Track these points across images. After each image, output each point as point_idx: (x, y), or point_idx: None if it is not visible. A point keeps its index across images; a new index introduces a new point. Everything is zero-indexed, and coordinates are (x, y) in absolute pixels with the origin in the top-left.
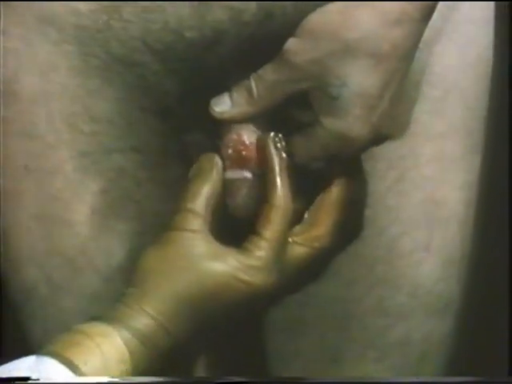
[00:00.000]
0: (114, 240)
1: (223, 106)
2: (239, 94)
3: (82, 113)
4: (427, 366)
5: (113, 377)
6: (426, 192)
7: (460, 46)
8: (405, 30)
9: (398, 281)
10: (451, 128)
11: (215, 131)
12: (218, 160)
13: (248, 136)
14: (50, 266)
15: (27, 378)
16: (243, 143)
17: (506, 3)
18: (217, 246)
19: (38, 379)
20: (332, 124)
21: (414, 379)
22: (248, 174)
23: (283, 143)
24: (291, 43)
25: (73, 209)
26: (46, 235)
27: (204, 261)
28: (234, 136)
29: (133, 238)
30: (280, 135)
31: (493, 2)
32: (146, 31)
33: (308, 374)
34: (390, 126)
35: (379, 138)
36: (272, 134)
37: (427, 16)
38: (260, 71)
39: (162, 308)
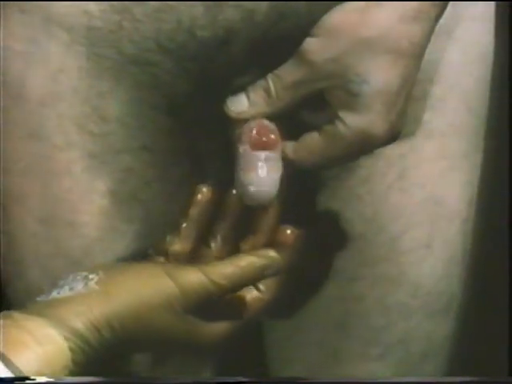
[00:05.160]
0: (119, 241)
1: (240, 105)
2: (257, 94)
3: (92, 114)
4: (428, 365)
5: (54, 373)
6: (427, 190)
7: (461, 44)
8: (422, 27)
9: (399, 279)
10: (452, 126)
11: (227, 128)
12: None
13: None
14: (55, 268)
15: (28, 378)
16: (266, 127)
17: (507, 3)
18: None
19: (33, 379)
20: (354, 121)
21: (414, 379)
22: (271, 154)
23: None
24: (310, 43)
25: (79, 210)
26: (50, 237)
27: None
28: (258, 121)
29: (138, 239)
30: None
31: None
32: (159, 31)
33: (308, 373)
34: (403, 123)
35: (395, 135)
36: None
37: (440, 13)
38: (278, 71)
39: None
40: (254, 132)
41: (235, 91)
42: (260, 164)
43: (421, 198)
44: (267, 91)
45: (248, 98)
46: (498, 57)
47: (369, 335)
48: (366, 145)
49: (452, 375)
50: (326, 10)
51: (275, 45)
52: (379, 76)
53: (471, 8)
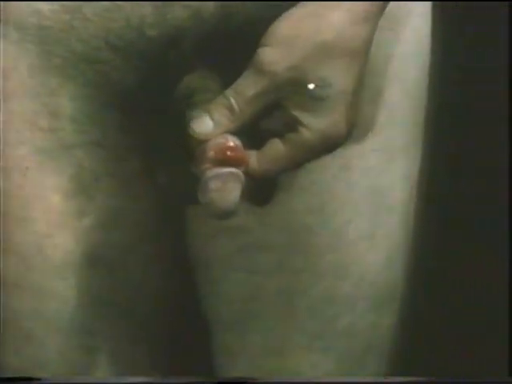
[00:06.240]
0: (70, 237)
1: (205, 127)
2: (220, 114)
3: (43, 110)
4: (373, 357)
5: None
6: (369, 181)
7: (400, 36)
8: (371, 26)
9: (344, 270)
10: (393, 118)
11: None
12: None
13: (231, 138)
14: (5, 265)
15: (28, 378)
16: (227, 146)
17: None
18: None
19: (39, 379)
20: (319, 124)
21: (414, 379)
22: (234, 170)
23: None
24: (266, 53)
25: (30, 206)
26: (2, 233)
27: None
28: (219, 140)
29: (89, 235)
30: None
31: None
32: (108, 30)
33: (254, 369)
34: (357, 119)
35: (351, 132)
36: None
37: (384, 11)
38: (238, 87)
39: None
40: (217, 150)
41: (184, 87)
42: (222, 181)
43: (364, 188)
44: (230, 109)
45: (212, 118)
46: (434, 50)
47: (314, 328)
48: (330, 146)
49: (395, 370)
50: (274, 9)
51: (223, 43)
52: (339, 78)
53: (410, 4)
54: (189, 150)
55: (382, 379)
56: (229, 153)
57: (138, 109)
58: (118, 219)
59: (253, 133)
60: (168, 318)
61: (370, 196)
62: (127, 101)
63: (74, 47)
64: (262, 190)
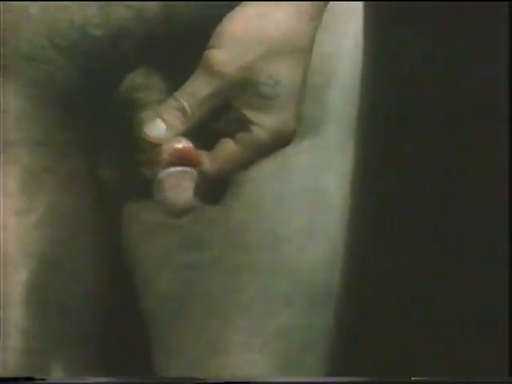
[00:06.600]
0: (8, 235)
1: (158, 131)
2: (172, 116)
3: None
4: (310, 355)
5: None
6: (306, 179)
7: (335, 37)
8: (315, 24)
9: (281, 267)
10: (330, 115)
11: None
12: None
13: (184, 141)
14: None
15: (29, 378)
16: (181, 149)
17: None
18: None
19: (39, 379)
20: (270, 123)
21: (354, 379)
22: (188, 168)
23: None
24: (216, 54)
25: None
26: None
27: None
28: (173, 144)
29: (30, 233)
30: None
31: None
32: (52, 29)
33: (192, 367)
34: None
35: (297, 129)
36: None
37: (325, 9)
38: (188, 88)
39: None
40: (171, 153)
41: (127, 87)
42: (176, 179)
43: (301, 186)
44: (182, 111)
45: (164, 121)
46: (367, 49)
47: (250, 326)
48: (281, 143)
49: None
50: (216, 9)
51: (166, 42)
52: (288, 76)
53: (344, 5)
54: (135, 149)
55: (321, 379)
56: (182, 155)
57: (80, 107)
58: (59, 217)
59: (205, 133)
60: (108, 316)
61: (307, 194)
62: (70, 100)
63: (18, 46)
64: (214, 188)
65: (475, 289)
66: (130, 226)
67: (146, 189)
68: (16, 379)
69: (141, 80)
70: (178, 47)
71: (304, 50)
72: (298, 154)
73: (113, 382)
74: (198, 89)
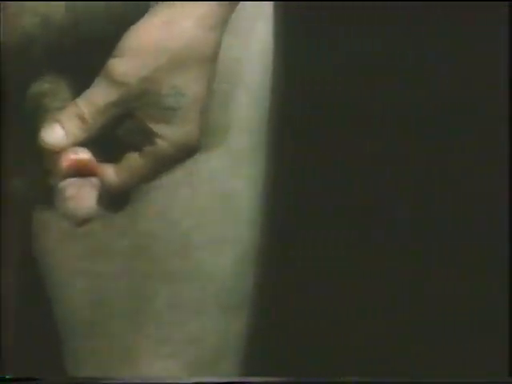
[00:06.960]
0: None
1: (56, 137)
2: (71, 123)
3: None
4: (223, 364)
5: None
6: (215, 186)
7: (243, 40)
8: (220, 32)
9: (192, 275)
10: (238, 121)
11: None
12: None
13: (82, 151)
14: None
15: (30, 379)
16: (79, 159)
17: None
18: None
19: (38, 379)
20: (174, 135)
21: (268, 379)
22: (87, 180)
23: None
24: (117, 64)
25: None
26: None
27: None
28: (70, 154)
29: None
30: None
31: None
32: None
33: (102, 373)
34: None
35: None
36: None
37: (231, 16)
38: (89, 96)
39: None
40: (68, 162)
41: (34, 93)
42: (77, 188)
43: (210, 193)
44: (81, 118)
45: (63, 127)
46: (277, 53)
47: (160, 334)
48: (187, 155)
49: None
50: (123, 13)
51: (73, 49)
52: (191, 86)
53: (252, 8)
54: (41, 156)
55: (236, 379)
56: (80, 166)
57: None
58: None
59: (110, 145)
60: (22, 322)
61: (217, 200)
62: None
63: None
64: (117, 198)
65: (475, 289)
66: (41, 233)
67: (53, 197)
68: (16, 379)
69: (48, 86)
70: (86, 54)
71: (209, 58)
72: (207, 161)
73: (109, 383)
74: (98, 97)
